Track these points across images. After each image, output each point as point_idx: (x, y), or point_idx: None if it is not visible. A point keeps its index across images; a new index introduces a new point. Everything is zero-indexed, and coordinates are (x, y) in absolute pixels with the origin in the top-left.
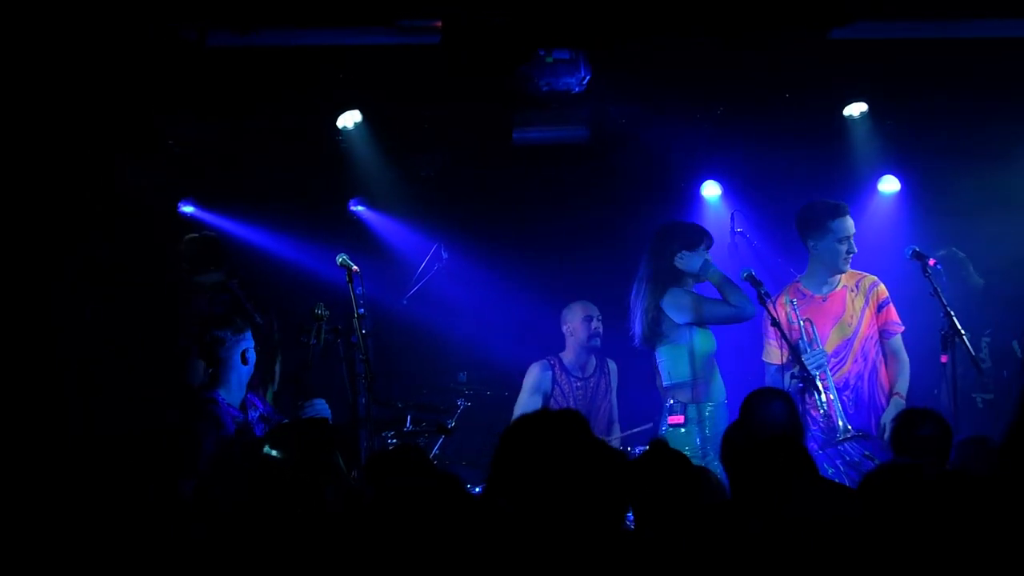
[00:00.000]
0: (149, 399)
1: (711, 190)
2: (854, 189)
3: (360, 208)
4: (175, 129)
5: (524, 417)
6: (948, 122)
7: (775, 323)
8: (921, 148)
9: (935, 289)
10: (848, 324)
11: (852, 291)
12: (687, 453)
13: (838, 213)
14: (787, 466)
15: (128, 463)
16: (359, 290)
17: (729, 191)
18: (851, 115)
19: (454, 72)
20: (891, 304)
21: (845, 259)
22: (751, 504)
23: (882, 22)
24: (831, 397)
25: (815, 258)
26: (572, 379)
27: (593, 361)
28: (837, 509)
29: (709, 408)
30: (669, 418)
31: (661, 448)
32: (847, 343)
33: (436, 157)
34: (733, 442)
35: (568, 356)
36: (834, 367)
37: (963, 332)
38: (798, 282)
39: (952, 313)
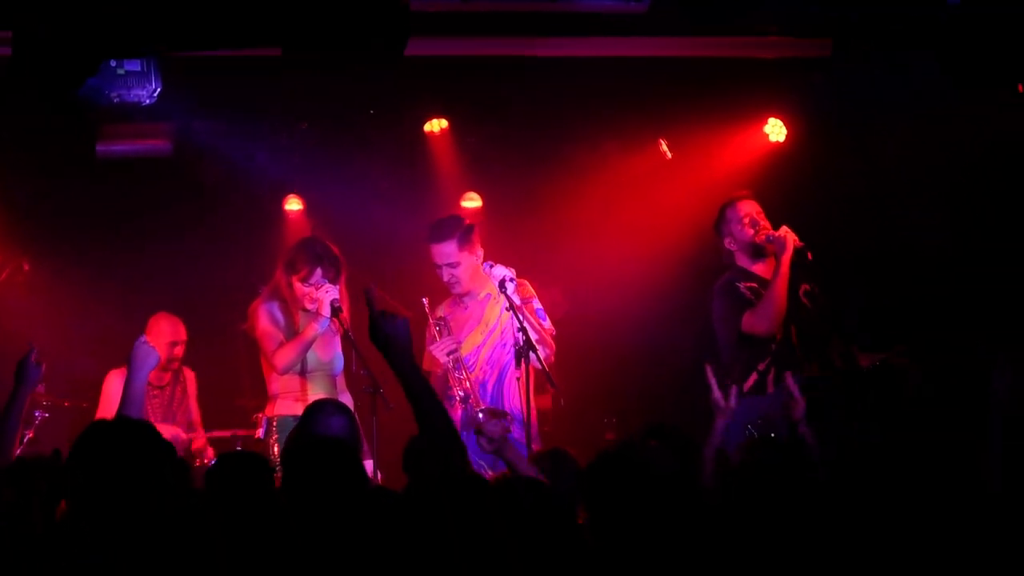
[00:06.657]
0: None
1: (293, 204)
2: (438, 206)
3: None
4: None
5: (97, 424)
6: (527, 139)
7: None
8: (505, 165)
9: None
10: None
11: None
12: None
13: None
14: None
15: None
16: None
17: (312, 206)
18: (432, 131)
19: (25, 85)
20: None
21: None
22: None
23: (458, 39)
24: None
25: None
26: (149, 389)
27: (169, 372)
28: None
29: None
30: None
31: None
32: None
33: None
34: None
35: None
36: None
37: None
38: None
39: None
